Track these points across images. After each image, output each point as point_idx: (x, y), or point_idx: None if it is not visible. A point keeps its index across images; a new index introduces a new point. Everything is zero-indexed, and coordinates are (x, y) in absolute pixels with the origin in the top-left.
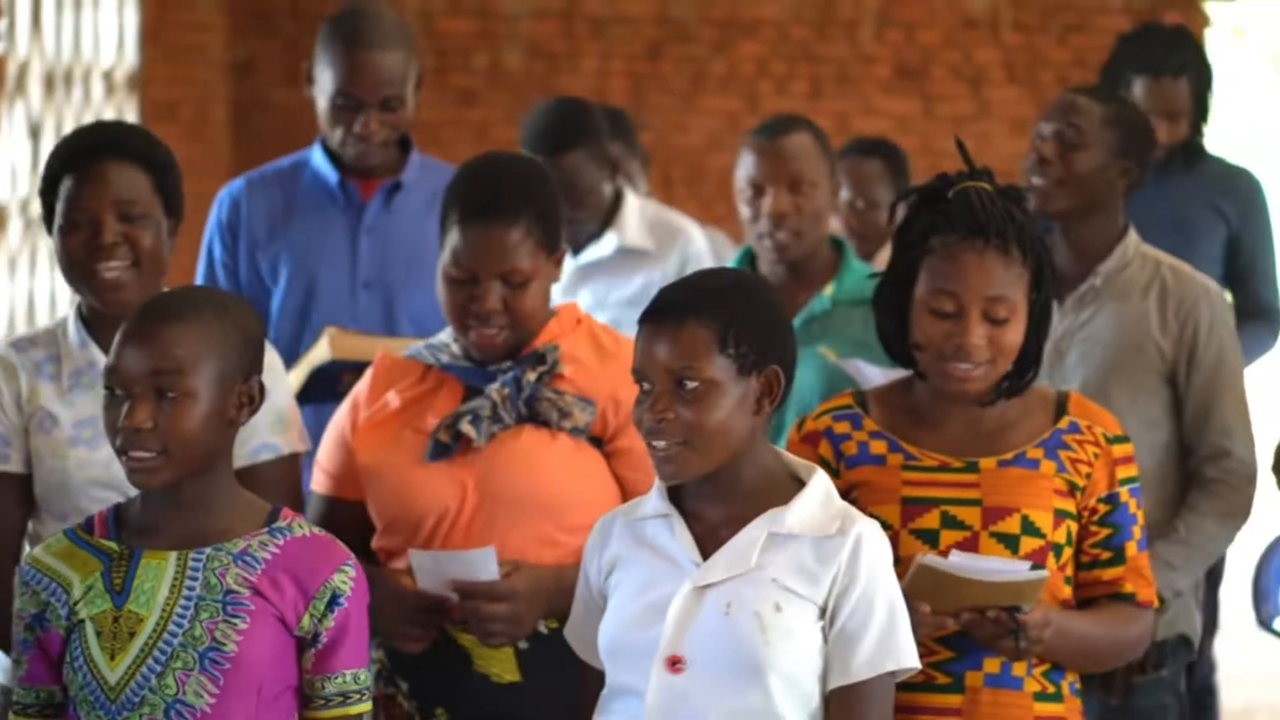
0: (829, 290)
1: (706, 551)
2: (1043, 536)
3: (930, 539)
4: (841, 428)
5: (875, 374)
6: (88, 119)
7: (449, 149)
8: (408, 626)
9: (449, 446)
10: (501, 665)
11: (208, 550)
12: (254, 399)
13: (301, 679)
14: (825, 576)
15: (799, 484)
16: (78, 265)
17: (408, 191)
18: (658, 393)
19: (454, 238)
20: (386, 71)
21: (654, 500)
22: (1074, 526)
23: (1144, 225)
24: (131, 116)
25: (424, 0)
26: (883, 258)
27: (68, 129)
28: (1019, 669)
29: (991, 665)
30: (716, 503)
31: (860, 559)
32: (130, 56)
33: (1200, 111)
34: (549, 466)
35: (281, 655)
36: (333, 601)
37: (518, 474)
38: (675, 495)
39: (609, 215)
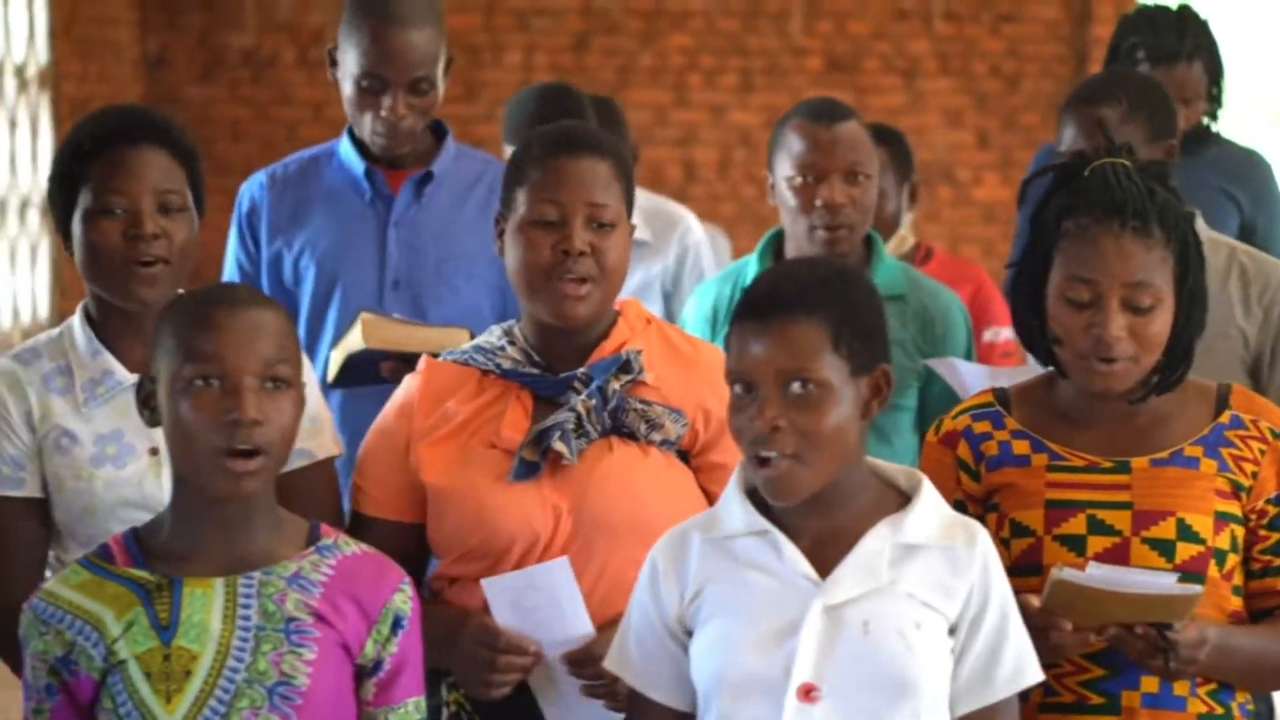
0: None
1: (821, 569)
2: (1202, 542)
3: (1076, 545)
4: (981, 427)
5: (973, 371)
6: (1, 117)
7: None
8: (493, 673)
9: (536, 465)
10: None
11: (257, 575)
12: (303, 402)
13: (360, 712)
14: (960, 590)
15: (897, 492)
16: (109, 257)
17: (439, 182)
18: (765, 397)
19: (535, 178)
20: (416, 51)
21: (739, 515)
22: (1240, 531)
23: None
24: (45, 114)
25: None
26: (888, 250)
27: None
28: (1181, 688)
29: (1150, 684)
30: (815, 515)
31: (991, 571)
32: (42, 52)
33: (1214, 95)
34: (647, 485)
35: (346, 686)
36: (396, 624)
37: (617, 495)
38: (763, 507)
39: None
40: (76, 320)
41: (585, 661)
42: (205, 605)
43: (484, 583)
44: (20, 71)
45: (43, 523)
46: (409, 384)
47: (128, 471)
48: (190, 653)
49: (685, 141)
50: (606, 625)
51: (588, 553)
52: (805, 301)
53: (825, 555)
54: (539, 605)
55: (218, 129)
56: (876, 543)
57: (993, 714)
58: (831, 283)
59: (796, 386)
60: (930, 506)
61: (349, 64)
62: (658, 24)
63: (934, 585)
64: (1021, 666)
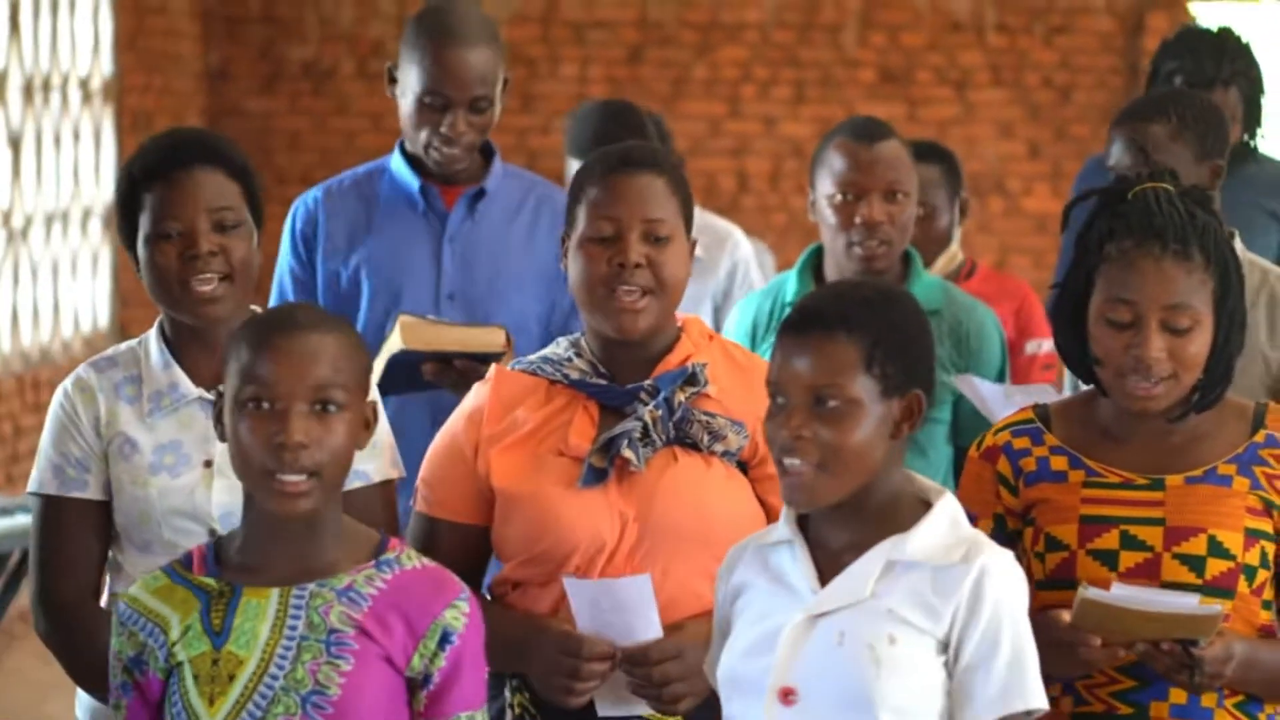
0: None
1: (828, 579)
2: (1232, 558)
3: (1108, 560)
4: (1021, 443)
5: (991, 389)
6: (65, 129)
7: None
8: (576, 680)
9: (604, 472)
10: None
11: (310, 587)
12: (370, 422)
13: None
14: (945, 609)
15: (928, 508)
16: (170, 278)
17: (491, 199)
18: (794, 408)
19: (594, 195)
20: (477, 70)
21: (780, 526)
22: (1271, 548)
23: None
24: (108, 126)
25: (401, 7)
26: (939, 266)
27: (46, 139)
28: (1208, 700)
29: (1178, 696)
30: (840, 527)
31: (984, 591)
32: (105, 64)
33: (1253, 115)
34: (710, 494)
35: (391, 698)
36: (444, 640)
37: (682, 503)
38: (803, 519)
39: None
40: (153, 332)
41: (640, 662)
42: (259, 613)
43: (567, 581)
44: (84, 84)
45: (102, 524)
46: (478, 392)
47: (181, 481)
48: (238, 658)
49: (738, 153)
50: (667, 630)
51: (652, 559)
52: (843, 320)
53: (840, 567)
54: (616, 611)
55: (277, 140)
56: (872, 558)
57: None
58: (873, 304)
59: (825, 401)
60: (938, 525)
61: (410, 82)
62: (712, 36)
63: (918, 603)
64: (1013, 691)
